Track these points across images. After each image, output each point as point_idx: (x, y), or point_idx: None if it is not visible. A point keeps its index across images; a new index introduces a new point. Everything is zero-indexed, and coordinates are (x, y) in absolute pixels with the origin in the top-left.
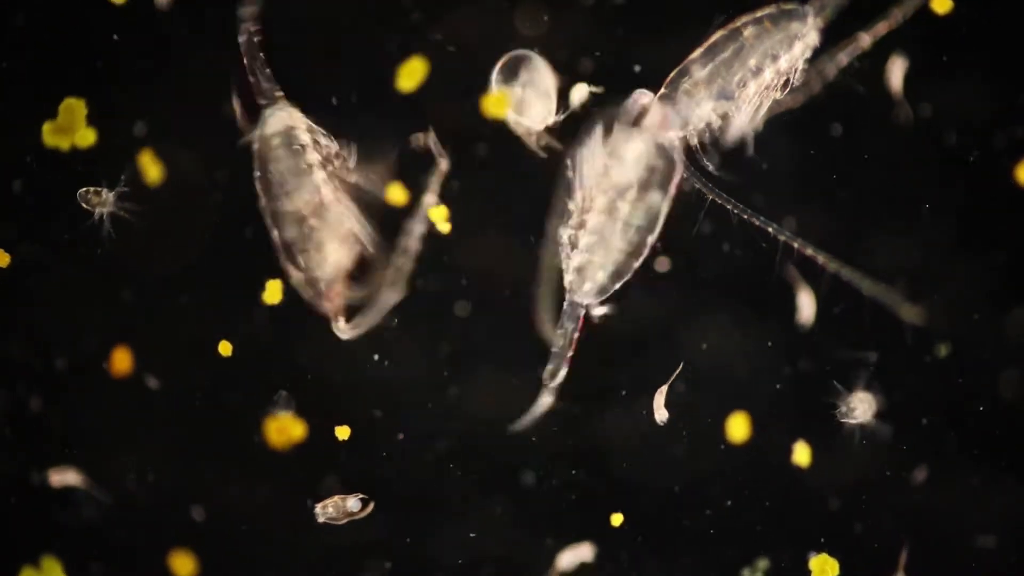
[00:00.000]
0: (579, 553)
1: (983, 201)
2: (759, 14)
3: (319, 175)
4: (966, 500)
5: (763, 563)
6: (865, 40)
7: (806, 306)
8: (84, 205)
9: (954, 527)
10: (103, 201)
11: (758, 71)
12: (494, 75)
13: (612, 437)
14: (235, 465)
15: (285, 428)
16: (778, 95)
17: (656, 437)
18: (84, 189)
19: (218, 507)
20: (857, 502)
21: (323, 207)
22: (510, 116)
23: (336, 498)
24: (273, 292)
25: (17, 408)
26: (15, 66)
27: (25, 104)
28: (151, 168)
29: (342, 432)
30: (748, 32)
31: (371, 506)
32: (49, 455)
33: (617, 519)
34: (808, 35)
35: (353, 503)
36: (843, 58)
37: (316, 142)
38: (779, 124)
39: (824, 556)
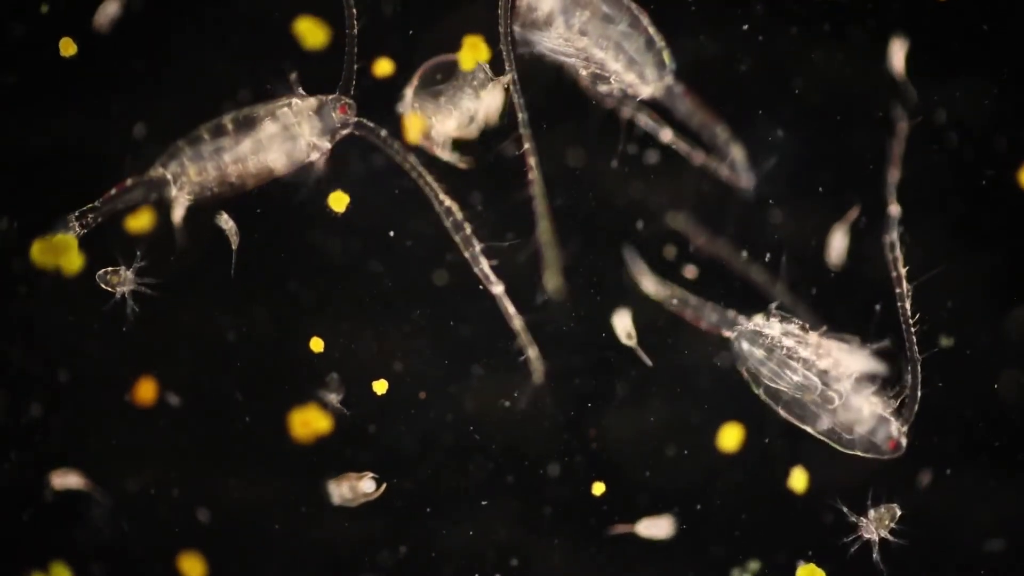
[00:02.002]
0: (660, 525)
1: (983, 201)
2: (657, 42)
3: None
4: (969, 503)
5: (754, 565)
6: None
7: (837, 246)
8: (104, 286)
9: (959, 531)
10: (123, 280)
11: (601, 45)
12: (415, 80)
13: (611, 437)
14: (242, 466)
15: (310, 421)
16: (581, 71)
17: (655, 437)
18: (103, 271)
19: (226, 508)
20: (856, 508)
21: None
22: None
23: (351, 477)
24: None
25: (23, 414)
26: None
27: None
28: (142, 220)
29: (380, 386)
30: (639, 25)
31: (384, 487)
32: (55, 460)
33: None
34: (640, 89)
35: (367, 483)
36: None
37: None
38: (779, 124)
39: (812, 567)
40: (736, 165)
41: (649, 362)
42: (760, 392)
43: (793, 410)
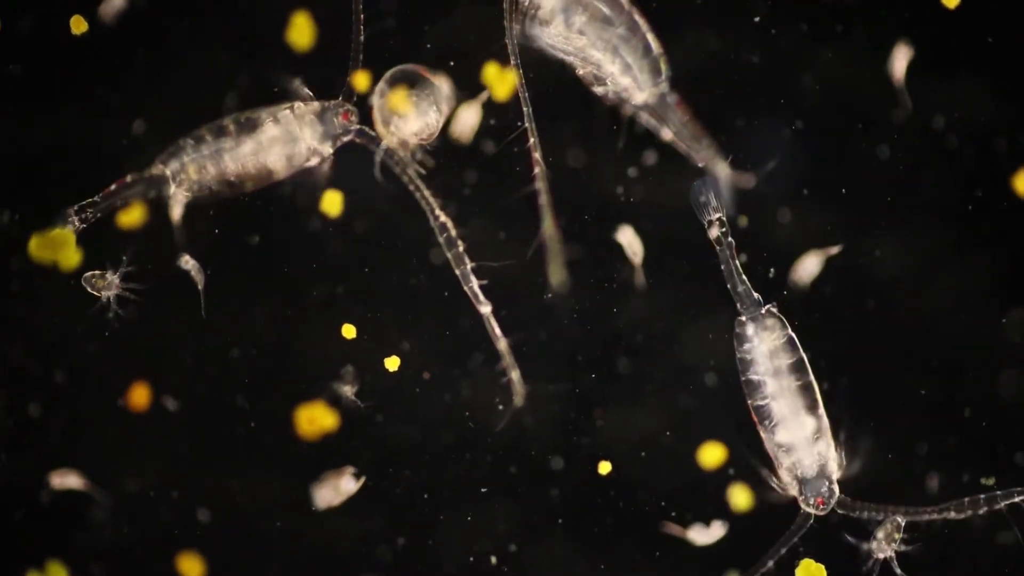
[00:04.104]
0: (712, 533)
1: (983, 201)
2: (654, 49)
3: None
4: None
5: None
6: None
7: (808, 266)
8: (89, 289)
9: (959, 531)
10: (108, 284)
11: (598, 46)
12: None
13: (611, 437)
14: (241, 466)
15: (316, 418)
16: (579, 71)
17: (654, 438)
18: (89, 274)
19: (225, 508)
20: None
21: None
22: (387, 121)
23: (332, 476)
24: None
25: (20, 412)
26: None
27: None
28: (133, 215)
29: (391, 363)
30: (638, 31)
31: (362, 479)
32: (54, 460)
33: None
34: (634, 94)
35: (348, 481)
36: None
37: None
38: (781, 124)
39: (809, 561)
40: (720, 180)
41: (646, 282)
42: (743, 378)
43: (761, 411)
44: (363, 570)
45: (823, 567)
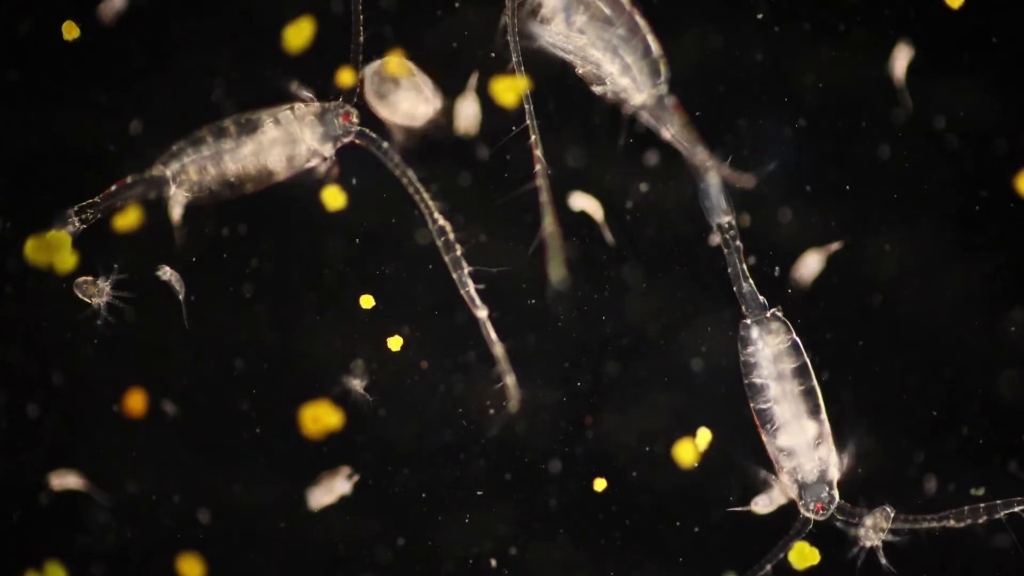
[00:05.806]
0: (774, 497)
1: (985, 202)
2: (654, 51)
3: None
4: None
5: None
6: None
7: (810, 265)
8: (80, 295)
9: (960, 531)
10: (99, 291)
11: (598, 46)
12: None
13: (610, 438)
14: (241, 467)
15: (320, 417)
16: (578, 70)
17: (652, 440)
18: (80, 279)
19: (225, 509)
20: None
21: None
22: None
23: (326, 477)
24: None
25: (19, 413)
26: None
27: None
28: (129, 217)
29: (394, 343)
30: (638, 32)
31: (356, 477)
32: (53, 460)
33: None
34: (632, 95)
35: (341, 481)
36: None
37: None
38: (782, 124)
39: (803, 544)
40: (714, 184)
41: (612, 240)
42: (746, 381)
43: (763, 414)
44: (363, 570)
45: (816, 550)
